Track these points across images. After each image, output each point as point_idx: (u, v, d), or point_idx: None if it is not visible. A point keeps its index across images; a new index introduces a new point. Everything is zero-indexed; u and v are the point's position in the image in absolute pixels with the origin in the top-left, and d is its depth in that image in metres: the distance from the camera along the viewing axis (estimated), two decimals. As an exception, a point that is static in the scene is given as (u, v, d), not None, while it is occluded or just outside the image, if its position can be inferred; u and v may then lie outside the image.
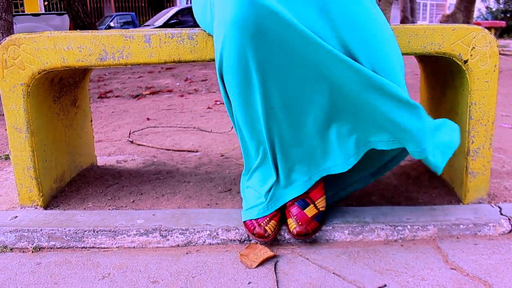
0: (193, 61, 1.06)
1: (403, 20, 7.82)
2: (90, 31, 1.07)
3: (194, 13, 1.03)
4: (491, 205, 1.10)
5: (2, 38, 2.52)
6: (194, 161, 1.63)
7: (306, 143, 0.93)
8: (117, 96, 3.16)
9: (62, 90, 1.31)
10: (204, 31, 1.02)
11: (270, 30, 0.73)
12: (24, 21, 7.52)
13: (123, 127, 2.25)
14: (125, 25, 12.23)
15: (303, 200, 0.99)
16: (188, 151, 1.78)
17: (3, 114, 2.55)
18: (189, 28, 1.05)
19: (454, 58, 1.04)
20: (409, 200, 1.20)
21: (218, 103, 2.85)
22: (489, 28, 8.83)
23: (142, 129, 2.13)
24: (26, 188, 1.17)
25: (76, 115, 1.41)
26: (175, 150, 1.80)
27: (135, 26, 11.94)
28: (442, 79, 1.23)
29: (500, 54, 4.83)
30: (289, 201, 1.00)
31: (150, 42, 1.05)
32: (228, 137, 1.99)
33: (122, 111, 2.70)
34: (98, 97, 3.14)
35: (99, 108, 2.82)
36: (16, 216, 1.13)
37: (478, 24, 8.47)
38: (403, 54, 1.05)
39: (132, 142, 1.94)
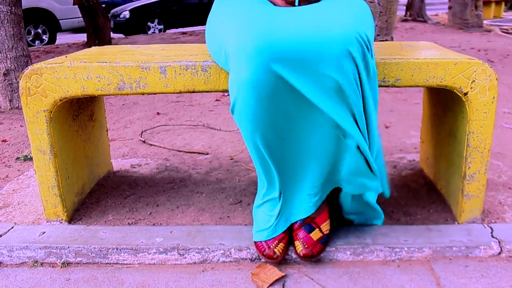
0: (207, 91, 1.11)
1: (412, -5, 7.66)
2: (108, 61, 1.13)
3: (208, 47, 1.08)
4: (483, 226, 1.18)
5: (13, 32, 2.55)
6: (205, 166, 1.72)
7: (310, 168, 1.01)
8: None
9: (80, 107, 1.37)
10: (217, 63, 1.07)
11: (279, 92, 0.79)
12: (28, -5, 7.41)
13: (134, 123, 2.32)
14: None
15: (309, 225, 1.08)
16: (199, 153, 1.86)
17: (17, 107, 2.63)
18: (202, 60, 1.10)
19: (455, 90, 1.09)
20: (407, 215, 1.28)
21: (226, 94, 2.90)
22: (499, 2, 8.61)
23: (153, 128, 2.20)
24: (51, 205, 1.27)
25: (93, 128, 1.48)
26: (186, 152, 1.88)
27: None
28: (443, 101, 1.29)
29: (508, 33, 4.81)
30: (296, 225, 1.09)
31: (165, 73, 1.11)
32: (237, 136, 2.06)
33: (132, 103, 2.76)
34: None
35: (109, 99, 2.88)
36: (44, 232, 1.23)
37: (489, -2, 8.26)
38: (406, 86, 1.10)
39: (144, 142, 2.02)
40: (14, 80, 2.59)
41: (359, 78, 0.80)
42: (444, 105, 1.30)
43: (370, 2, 2.75)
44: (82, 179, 1.40)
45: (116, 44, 5.60)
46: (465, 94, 1.09)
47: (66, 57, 1.24)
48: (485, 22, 7.03)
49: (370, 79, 0.82)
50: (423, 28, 6.70)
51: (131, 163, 1.75)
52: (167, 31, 8.95)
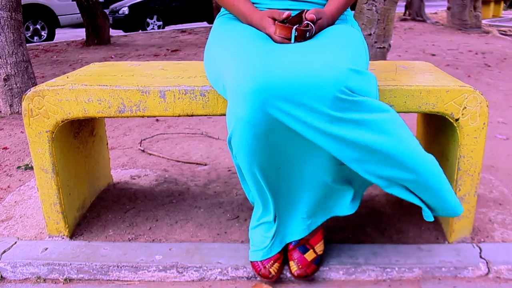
0: (205, 115, 1.14)
1: (411, -6, 7.65)
2: (109, 85, 1.15)
3: (207, 74, 1.10)
4: (472, 245, 1.22)
5: (13, 38, 2.57)
6: (203, 177, 1.75)
7: (304, 195, 1.04)
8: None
9: (81, 124, 1.40)
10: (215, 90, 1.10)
11: (275, 129, 0.82)
12: (27, -8, 7.39)
13: (134, 131, 2.35)
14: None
15: (304, 246, 1.11)
16: (197, 163, 1.89)
17: (17, 112, 2.65)
18: (201, 85, 1.13)
19: (446, 116, 1.13)
20: (399, 233, 1.32)
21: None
22: (499, 1, 8.62)
23: (152, 136, 2.23)
24: (53, 221, 1.30)
25: (94, 143, 1.51)
26: (184, 162, 1.91)
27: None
28: (436, 122, 1.32)
29: (505, 35, 4.83)
30: (291, 246, 1.12)
31: (165, 97, 1.14)
32: (234, 145, 2.09)
33: (130, 109, 2.78)
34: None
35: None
36: (47, 248, 1.26)
37: (488, -4, 8.25)
38: (399, 112, 1.13)
39: (143, 151, 2.05)
40: (15, 85, 2.61)
41: (353, 114, 0.83)
42: (437, 126, 1.33)
43: (368, 9, 2.77)
44: (83, 194, 1.44)
45: (114, 42, 5.60)
46: (457, 120, 1.12)
47: (67, 77, 1.27)
48: (484, 21, 7.05)
49: (364, 110, 0.85)
50: (422, 28, 6.71)
51: (131, 174, 1.78)
52: (166, 27, 8.94)
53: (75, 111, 1.17)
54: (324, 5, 1.10)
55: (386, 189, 0.96)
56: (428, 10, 9.10)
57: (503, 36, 5.63)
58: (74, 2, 6.04)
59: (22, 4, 7.09)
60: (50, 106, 1.17)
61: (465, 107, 1.11)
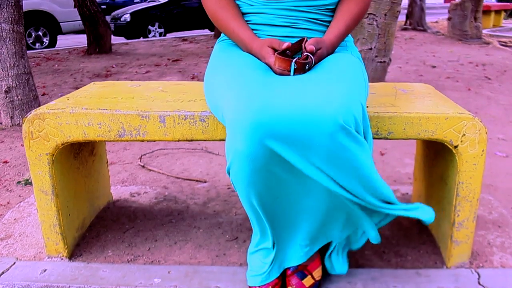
0: (205, 140, 1.15)
1: (411, 4, 7.68)
2: (109, 109, 1.16)
3: (207, 100, 1.11)
4: (471, 271, 1.22)
5: (15, 50, 2.58)
6: (202, 195, 1.75)
7: (302, 224, 1.04)
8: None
9: (81, 145, 1.40)
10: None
11: (273, 163, 0.82)
12: (29, -2, 7.42)
13: (134, 145, 2.35)
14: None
15: (302, 272, 1.11)
16: (197, 180, 1.89)
17: (18, 124, 2.66)
18: (201, 110, 1.13)
19: (445, 143, 1.13)
20: (398, 256, 1.32)
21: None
22: (499, 11, 8.65)
23: (152, 152, 2.24)
24: (52, 242, 1.30)
25: (94, 162, 1.52)
26: (184, 179, 1.91)
27: (140, -1, 11.81)
28: (435, 146, 1.32)
29: (506, 46, 4.86)
30: (289, 271, 1.12)
31: (165, 122, 1.14)
32: (234, 161, 2.09)
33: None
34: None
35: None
36: (45, 270, 1.26)
37: (488, 7, 8.29)
38: (398, 139, 1.14)
39: (143, 166, 2.05)
40: (16, 97, 2.62)
41: (351, 150, 0.83)
42: (436, 150, 1.33)
43: (369, 24, 2.78)
44: (82, 214, 1.44)
45: (116, 51, 5.62)
46: (456, 147, 1.13)
47: (68, 99, 1.28)
48: (484, 31, 7.07)
49: (362, 147, 0.85)
50: (423, 38, 6.74)
51: (131, 191, 1.79)
52: (168, 35, 8.98)
53: (75, 134, 1.18)
54: (324, 32, 1.10)
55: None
56: (429, 19, 9.13)
57: (504, 47, 5.64)
58: (77, 9, 6.08)
59: (24, 10, 7.11)
60: (50, 129, 1.18)
61: (464, 134, 1.12)
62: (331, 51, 1.04)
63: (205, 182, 1.88)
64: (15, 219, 1.59)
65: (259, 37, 1.09)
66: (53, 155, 1.21)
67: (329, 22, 1.10)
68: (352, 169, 0.85)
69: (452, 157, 1.17)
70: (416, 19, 7.74)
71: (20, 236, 1.47)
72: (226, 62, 1.03)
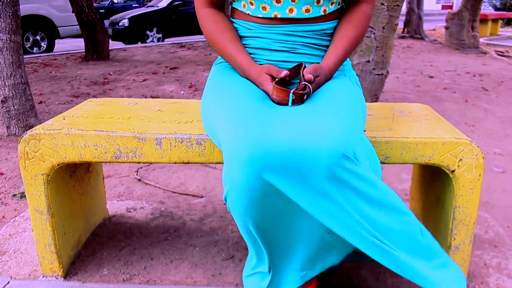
0: (201, 163, 1.14)
1: (409, 12, 7.72)
2: (105, 130, 1.15)
3: (204, 125, 1.10)
4: (468, 295, 1.22)
5: (12, 60, 2.57)
6: (199, 211, 1.74)
7: (299, 249, 1.03)
8: (122, 109, 3.23)
9: (77, 163, 1.40)
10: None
11: (270, 194, 0.82)
12: (27, 2, 7.43)
13: (130, 156, 2.34)
14: (129, 0, 12.11)
15: (298, 297, 1.10)
16: (193, 195, 1.89)
17: (14, 134, 2.65)
18: (197, 133, 1.13)
19: (442, 168, 1.13)
20: (394, 277, 1.31)
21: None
22: (496, 20, 8.71)
23: (148, 164, 2.23)
24: (47, 261, 1.29)
25: (90, 179, 1.51)
26: (180, 194, 1.91)
27: (139, 4, 11.82)
28: (432, 169, 1.32)
29: (502, 56, 4.89)
30: (286, 296, 1.11)
31: (161, 144, 1.14)
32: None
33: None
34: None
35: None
36: (40, 290, 1.25)
37: (485, 15, 8.35)
38: (395, 163, 1.14)
39: (140, 180, 2.04)
40: (12, 107, 2.61)
41: (349, 182, 0.83)
42: (433, 171, 1.33)
43: (367, 37, 2.79)
44: (78, 232, 1.43)
45: (113, 57, 5.62)
46: (452, 171, 1.13)
47: (64, 118, 1.27)
48: (481, 40, 7.12)
49: (363, 178, 0.85)
50: (420, 47, 6.77)
51: (127, 207, 1.78)
52: (166, 40, 8.99)
53: (71, 155, 1.17)
54: (322, 56, 1.10)
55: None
56: (426, 26, 9.17)
57: (500, 57, 5.68)
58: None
59: (22, 15, 7.09)
60: (46, 149, 1.17)
61: (461, 159, 1.12)
62: (329, 77, 1.04)
63: (201, 197, 1.88)
64: (10, 234, 1.57)
65: (256, 61, 1.09)
66: (49, 175, 1.20)
67: (327, 46, 1.10)
68: (352, 203, 0.84)
69: (449, 180, 1.17)
70: (413, 27, 7.78)
71: (15, 253, 1.46)
72: (223, 87, 1.02)
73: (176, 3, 9.08)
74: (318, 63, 1.10)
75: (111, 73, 4.55)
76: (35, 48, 7.58)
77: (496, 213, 1.74)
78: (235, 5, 1.14)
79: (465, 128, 2.83)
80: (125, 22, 8.68)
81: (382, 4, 2.68)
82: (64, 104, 3.41)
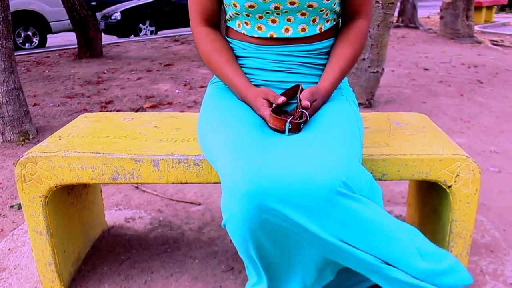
0: (199, 183, 1.14)
1: (403, 1, 7.67)
2: (102, 152, 1.15)
3: (201, 147, 1.09)
4: (465, 305, 1.23)
5: (4, 66, 2.54)
6: (197, 219, 1.75)
7: (298, 270, 1.05)
8: (117, 111, 3.21)
9: (74, 180, 1.39)
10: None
11: (269, 224, 0.82)
12: (18, -2, 7.31)
13: (127, 162, 2.34)
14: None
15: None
16: (191, 203, 1.89)
17: (9, 140, 2.63)
18: (194, 154, 1.13)
19: (439, 183, 1.14)
20: None
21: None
22: (490, 6, 8.67)
23: (146, 171, 2.22)
24: (48, 280, 1.29)
25: (88, 194, 1.51)
26: (178, 201, 1.91)
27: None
28: (428, 182, 1.33)
29: (497, 45, 4.87)
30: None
31: (158, 166, 1.13)
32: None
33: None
34: (99, 112, 3.20)
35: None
36: (41, 310, 1.26)
37: (480, 3, 8.30)
38: (392, 180, 1.14)
39: (137, 187, 2.04)
40: (6, 113, 2.59)
41: (349, 211, 0.83)
42: (430, 184, 1.34)
43: (362, 35, 2.77)
44: (78, 247, 1.43)
45: (107, 54, 5.56)
46: (449, 186, 1.14)
47: (60, 139, 1.26)
48: (476, 27, 7.09)
49: (363, 203, 0.85)
50: (415, 37, 6.74)
51: (125, 216, 1.78)
52: (159, 32, 8.89)
53: (68, 177, 1.17)
54: (319, 76, 1.10)
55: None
56: (420, 13, 9.12)
57: (495, 47, 5.67)
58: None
59: (13, 10, 6.93)
60: (43, 172, 1.17)
61: (458, 175, 1.12)
62: (327, 99, 1.03)
63: (199, 204, 1.88)
64: (9, 249, 1.58)
65: (253, 81, 1.09)
66: (47, 197, 1.20)
67: (324, 65, 1.10)
68: (354, 229, 0.85)
69: (446, 194, 1.18)
70: (408, 16, 7.74)
71: (15, 269, 1.46)
72: (220, 112, 1.02)
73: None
74: (316, 82, 1.09)
75: (105, 71, 4.51)
76: (26, 44, 7.49)
77: (492, 215, 1.76)
78: (230, 24, 1.13)
79: (461, 124, 2.84)
80: (118, 15, 8.56)
81: (377, 2, 2.66)
82: (59, 106, 3.38)
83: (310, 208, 0.80)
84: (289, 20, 1.04)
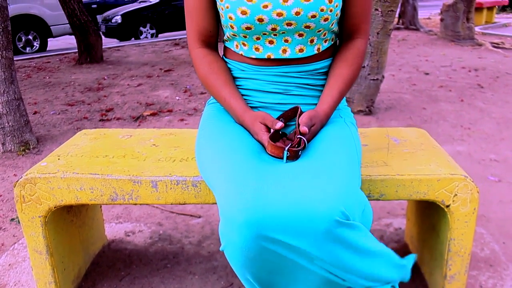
0: (198, 204, 1.15)
1: (404, 3, 7.66)
2: (100, 173, 1.15)
3: (199, 170, 1.09)
4: (464, 323, 1.24)
5: (4, 76, 2.55)
6: (197, 232, 1.75)
7: None
8: (118, 119, 3.22)
9: (74, 197, 1.40)
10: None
11: (267, 253, 0.83)
12: (18, 2, 7.34)
13: (127, 173, 2.34)
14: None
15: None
16: (191, 215, 1.89)
17: (10, 151, 2.64)
18: (193, 176, 1.13)
19: (437, 203, 1.14)
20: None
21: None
22: (491, 7, 8.64)
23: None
24: (48, 299, 1.30)
25: (88, 211, 1.51)
26: (178, 214, 1.91)
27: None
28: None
29: (498, 48, 4.85)
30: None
31: (157, 187, 1.14)
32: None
33: (124, 144, 2.78)
34: (100, 120, 3.20)
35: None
36: (41, 329, 1.27)
37: (481, 4, 8.28)
38: (390, 200, 1.14)
39: (137, 199, 2.04)
40: (7, 123, 2.60)
41: (347, 240, 0.84)
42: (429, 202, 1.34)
43: (361, 42, 2.77)
44: (78, 264, 1.44)
45: (107, 59, 5.57)
46: (447, 206, 1.14)
47: (58, 158, 1.27)
48: (477, 28, 7.07)
49: (359, 230, 0.85)
50: (415, 39, 6.73)
51: (125, 230, 1.78)
52: (160, 35, 8.90)
53: (68, 198, 1.17)
54: (316, 96, 1.10)
55: None
56: (421, 14, 9.10)
57: (496, 50, 5.65)
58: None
59: (14, 14, 6.93)
60: (42, 193, 1.17)
61: (456, 194, 1.12)
62: (325, 122, 1.03)
63: (199, 217, 1.89)
64: (9, 264, 1.58)
65: (250, 103, 1.09)
66: (46, 217, 1.20)
67: (322, 85, 1.10)
68: (349, 261, 0.85)
69: (444, 212, 1.18)
70: (408, 18, 7.72)
71: (15, 285, 1.47)
72: (216, 137, 1.01)
73: (170, -4, 8.96)
74: (314, 104, 1.09)
75: (105, 77, 4.52)
76: (27, 48, 7.51)
77: (492, 227, 1.76)
78: (227, 44, 1.13)
79: (461, 131, 2.83)
80: (118, 18, 8.57)
81: (377, 10, 2.66)
82: (59, 114, 3.39)
83: (308, 238, 0.80)
84: (286, 41, 1.04)
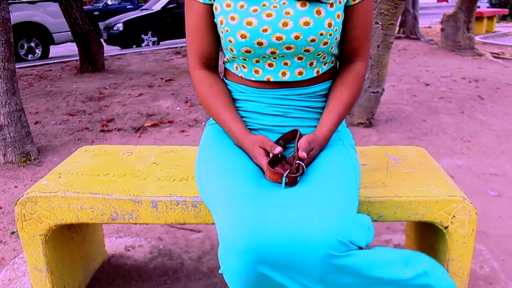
0: (197, 224, 1.15)
1: (404, 13, 7.70)
2: (101, 193, 1.16)
3: (199, 192, 1.10)
4: None
5: (6, 88, 2.57)
6: (197, 248, 1.76)
7: None
8: (118, 130, 3.23)
9: (74, 214, 1.40)
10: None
11: (266, 279, 0.83)
12: (21, 9, 7.41)
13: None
14: (123, 2, 12.05)
15: None
16: (191, 230, 1.90)
17: (11, 162, 2.65)
18: (192, 196, 1.14)
19: (435, 224, 1.14)
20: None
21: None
22: (492, 17, 8.69)
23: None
24: (47, 316, 1.30)
25: (88, 227, 1.52)
26: (178, 228, 1.92)
27: (133, 5, 11.76)
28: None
29: (498, 58, 4.86)
30: None
31: (157, 207, 1.15)
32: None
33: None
34: (100, 131, 3.22)
35: (102, 148, 2.91)
36: None
37: (481, 13, 8.32)
38: (388, 221, 1.15)
39: (137, 212, 2.05)
40: (8, 135, 2.61)
41: (345, 266, 0.84)
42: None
43: (361, 55, 2.79)
44: (78, 281, 1.44)
45: (109, 68, 5.59)
46: (446, 227, 1.14)
47: (59, 176, 1.27)
48: (477, 38, 7.10)
49: (357, 256, 0.86)
50: (416, 49, 6.76)
51: (125, 245, 1.79)
52: (161, 43, 8.95)
53: (68, 217, 1.18)
54: (316, 119, 1.10)
55: None
56: (422, 22, 9.14)
57: (496, 60, 5.68)
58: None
59: (16, 22, 6.96)
60: (42, 211, 1.18)
61: (454, 216, 1.13)
62: (324, 145, 1.04)
63: (199, 232, 1.89)
64: (9, 279, 1.58)
65: (249, 126, 1.10)
66: (46, 235, 1.21)
67: (321, 108, 1.11)
68: (345, 284, 0.86)
69: (442, 233, 1.18)
70: (409, 28, 7.76)
71: (15, 301, 1.47)
72: (216, 161, 1.02)
73: (171, 5, 9.02)
74: (313, 126, 1.10)
75: (107, 86, 4.54)
76: (29, 55, 7.56)
77: (491, 244, 1.76)
78: (228, 66, 1.14)
79: (461, 144, 2.84)
80: (120, 26, 8.63)
81: (377, 23, 2.68)
82: (60, 124, 3.40)
83: (307, 266, 0.81)
84: (286, 64, 1.05)
